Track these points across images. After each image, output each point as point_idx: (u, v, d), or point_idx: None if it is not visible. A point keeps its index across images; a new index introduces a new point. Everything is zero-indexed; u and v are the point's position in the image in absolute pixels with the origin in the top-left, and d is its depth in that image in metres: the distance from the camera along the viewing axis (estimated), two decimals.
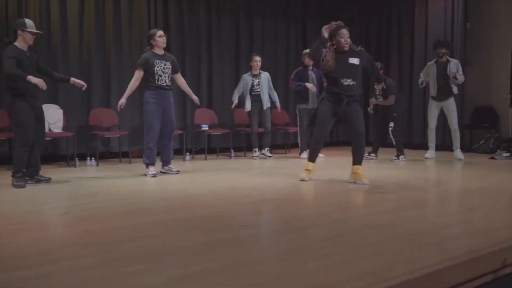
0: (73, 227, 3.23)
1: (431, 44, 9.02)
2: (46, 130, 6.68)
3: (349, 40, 4.96)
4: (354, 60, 4.98)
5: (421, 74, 7.79)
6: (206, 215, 3.52)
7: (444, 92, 7.53)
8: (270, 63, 9.23)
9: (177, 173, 5.93)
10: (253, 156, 7.87)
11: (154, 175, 5.68)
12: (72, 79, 5.40)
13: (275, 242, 2.80)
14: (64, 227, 3.22)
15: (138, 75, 5.72)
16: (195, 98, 6.19)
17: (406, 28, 9.80)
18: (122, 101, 5.79)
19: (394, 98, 7.49)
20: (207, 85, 8.70)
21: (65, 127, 6.99)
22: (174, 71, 5.91)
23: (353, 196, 4.44)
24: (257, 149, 7.93)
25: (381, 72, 7.46)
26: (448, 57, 7.52)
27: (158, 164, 5.96)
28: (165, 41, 5.82)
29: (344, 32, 4.95)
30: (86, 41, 7.47)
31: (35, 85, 4.89)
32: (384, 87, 7.44)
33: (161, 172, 5.95)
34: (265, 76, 7.99)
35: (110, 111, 7.47)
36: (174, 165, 6.15)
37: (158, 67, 5.70)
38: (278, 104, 8.08)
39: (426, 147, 7.82)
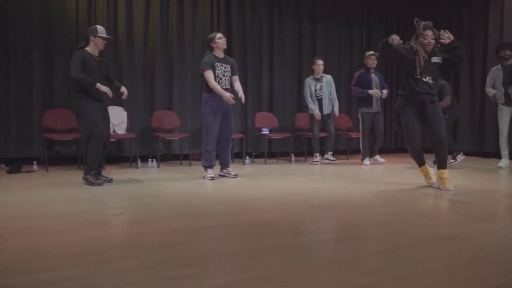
0: (126, 229, 3.24)
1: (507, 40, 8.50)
2: (111, 131, 6.94)
3: (433, 41, 4.78)
4: (437, 59, 4.84)
5: (488, 80, 7.29)
6: (259, 220, 3.43)
7: None
8: (333, 67, 9.06)
9: (235, 177, 5.89)
10: (313, 161, 7.71)
11: (212, 178, 5.67)
12: (122, 88, 5.49)
13: (326, 252, 2.65)
14: (118, 228, 3.23)
15: (210, 75, 5.60)
16: (241, 95, 5.84)
17: (478, 30, 9.28)
18: (227, 94, 5.58)
19: (450, 99, 7.11)
20: (268, 88, 8.65)
21: (128, 129, 7.16)
22: (233, 74, 5.87)
23: (420, 204, 4.18)
24: (318, 154, 7.75)
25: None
26: None
27: (217, 167, 5.96)
28: (225, 42, 5.79)
29: (429, 33, 4.78)
30: (150, 44, 7.64)
31: (104, 92, 5.08)
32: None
33: (220, 175, 5.95)
34: (327, 79, 7.80)
35: (172, 113, 7.58)
36: (233, 168, 6.12)
37: (219, 70, 5.69)
38: (336, 109, 7.81)
39: (499, 156, 7.34)
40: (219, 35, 5.78)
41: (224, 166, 5.97)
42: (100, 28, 5.22)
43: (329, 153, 7.79)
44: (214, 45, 5.76)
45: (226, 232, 3.08)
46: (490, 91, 7.23)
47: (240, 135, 7.73)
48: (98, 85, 5.02)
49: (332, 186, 5.23)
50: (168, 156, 7.88)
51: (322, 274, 2.23)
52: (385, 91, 7.50)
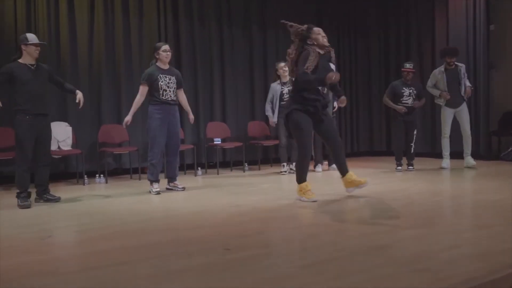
0: (48, 254, 3.08)
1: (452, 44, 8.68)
2: (55, 148, 6.73)
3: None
4: (333, 66, 4.69)
5: (429, 83, 7.39)
6: (191, 237, 3.33)
7: (456, 99, 7.18)
8: None
9: (182, 190, 5.78)
10: (281, 171, 7.37)
11: (158, 192, 5.54)
12: (78, 93, 5.29)
13: (253, 269, 2.57)
14: (38, 254, 3.07)
15: (142, 90, 5.62)
16: (191, 117, 6.01)
17: (426, 33, 9.47)
18: (128, 118, 5.68)
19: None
20: (220, 98, 8.56)
21: (74, 145, 6.95)
22: (178, 87, 5.77)
23: (354, 213, 4.16)
24: (285, 164, 7.42)
25: (412, 71, 7.17)
26: (456, 63, 7.20)
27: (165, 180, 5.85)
28: (169, 56, 5.69)
29: (317, 28, 4.63)
30: (96, 56, 7.45)
31: (39, 102, 4.90)
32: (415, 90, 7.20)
33: (167, 189, 5.82)
34: None
35: (120, 127, 7.38)
36: (185, 180, 6.02)
37: (162, 82, 5.58)
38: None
39: (453, 156, 7.44)
40: (164, 47, 5.66)
41: (171, 179, 5.85)
42: (30, 36, 5.05)
43: (294, 163, 7.53)
44: (158, 57, 5.66)
45: (151, 252, 2.97)
46: (435, 91, 7.33)
47: (191, 146, 7.62)
48: None
49: (278, 196, 5.17)
50: (120, 170, 7.69)
51: None
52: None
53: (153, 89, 5.57)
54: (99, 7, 7.43)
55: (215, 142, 7.84)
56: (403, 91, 7.15)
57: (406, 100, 7.15)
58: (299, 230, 3.45)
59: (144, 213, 4.39)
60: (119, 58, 7.59)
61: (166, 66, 5.69)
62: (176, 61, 8.11)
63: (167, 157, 5.78)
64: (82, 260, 2.83)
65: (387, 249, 2.89)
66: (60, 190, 6.06)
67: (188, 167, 7.85)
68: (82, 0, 7.31)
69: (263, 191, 5.63)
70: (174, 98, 5.69)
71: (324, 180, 6.67)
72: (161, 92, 5.56)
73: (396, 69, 9.61)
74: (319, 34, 4.61)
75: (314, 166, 7.54)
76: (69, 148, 6.86)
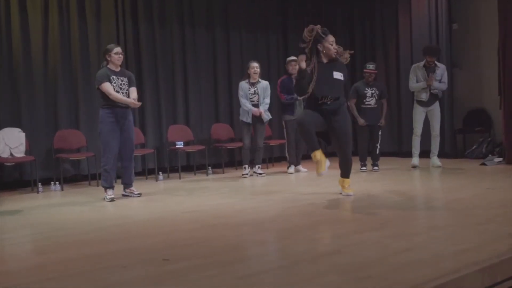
0: None
1: (416, 46, 8.67)
2: (7, 155, 6.46)
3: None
4: (339, 75, 4.67)
5: (411, 76, 7.26)
6: (133, 247, 3.16)
7: (431, 97, 7.15)
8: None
9: (139, 196, 5.57)
10: (243, 174, 7.15)
11: (112, 199, 5.33)
12: None
13: (188, 281, 2.41)
14: None
15: (107, 87, 5.28)
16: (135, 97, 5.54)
17: (390, 32, 9.45)
18: (130, 100, 5.39)
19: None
20: (183, 101, 8.36)
21: (28, 151, 6.67)
22: (130, 86, 5.56)
23: (309, 217, 4.01)
24: (247, 166, 7.22)
25: (374, 72, 7.10)
26: (436, 62, 7.16)
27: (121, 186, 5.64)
28: (121, 58, 5.48)
29: (332, 38, 4.68)
30: (51, 60, 7.16)
31: None
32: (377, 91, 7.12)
33: (123, 195, 5.62)
34: (263, 85, 7.26)
35: (77, 132, 7.16)
36: (145, 185, 5.83)
37: (115, 83, 5.38)
38: (261, 108, 7.18)
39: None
40: (116, 50, 5.45)
41: (126, 185, 5.64)
42: None
43: (257, 166, 7.34)
44: (109, 58, 5.45)
45: (90, 264, 2.78)
46: (418, 86, 7.13)
47: (152, 150, 7.41)
48: None
49: (237, 200, 5.02)
50: (79, 177, 7.42)
51: None
52: None
53: (105, 91, 5.35)
54: (53, 9, 7.14)
55: (177, 146, 7.64)
56: (365, 91, 7.08)
57: (369, 101, 7.08)
58: (247, 237, 3.30)
59: (93, 222, 4.19)
60: (76, 62, 7.32)
61: (118, 68, 5.49)
62: (136, 65, 7.90)
63: (121, 162, 5.56)
64: (7, 278, 2.62)
65: (334, 255, 2.76)
66: (12, 200, 5.82)
67: (149, 172, 7.63)
68: (35, 1, 7.02)
69: (222, 196, 5.47)
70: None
71: (290, 181, 6.55)
72: None
73: (361, 70, 9.56)
74: (331, 45, 4.65)
75: (288, 167, 7.41)
76: (22, 155, 6.57)
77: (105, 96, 5.36)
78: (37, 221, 4.32)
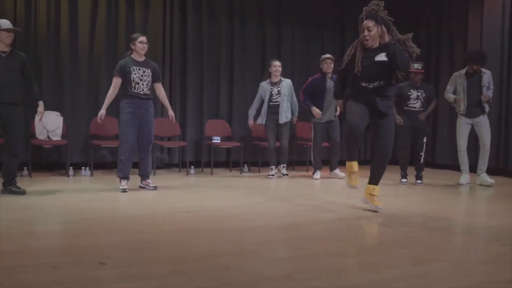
0: None
1: (486, 45, 7.87)
2: (44, 137, 6.66)
3: (371, 33, 4.06)
4: (381, 57, 4.10)
5: (448, 87, 6.65)
6: (86, 244, 3.02)
7: (474, 108, 6.43)
8: (301, 73, 8.58)
9: (154, 189, 5.50)
10: (268, 175, 6.98)
11: (124, 190, 5.29)
12: (40, 106, 5.13)
13: None
14: None
15: (115, 82, 5.39)
16: (170, 113, 5.68)
17: (459, 30, 8.66)
18: (102, 112, 5.44)
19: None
20: (226, 96, 8.22)
21: (64, 135, 6.84)
22: (154, 80, 5.50)
23: (300, 230, 3.67)
24: (273, 167, 7.05)
25: (421, 72, 6.50)
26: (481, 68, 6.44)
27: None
28: (146, 48, 5.43)
29: (364, 24, 4.09)
30: (97, 47, 7.33)
31: (4, 90, 4.81)
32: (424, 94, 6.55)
33: (140, 187, 5.59)
34: (287, 84, 7.05)
35: (114, 120, 7.22)
36: (173, 179, 5.75)
37: (135, 74, 5.33)
38: (295, 115, 7.18)
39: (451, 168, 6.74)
40: (141, 38, 5.41)
41: (143, 177, 5.60)
42: (2, 22, 4.92)
43: (282, 165, 7.19)
44: (134, 47, 5.41)
45: (31, 258, 2.68)
46: (450, 96, 6.61)
47: (185, 143, 7.34)
48: None
49: (243, 203, 4.77)
50: (115, 164, 7.51)
51: None
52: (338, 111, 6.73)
53: (126, 81, 5.33)
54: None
55: (213, 141, 7.51)
56: (410, 93, 6.50)
57: (413, 103, 6.50)
58: (207, 247, 3.03)
59: (77, 212, 4.11)
60: (120, 51, 7.40)
61: (142, 58, 5.44)
62: (181, 57, 7.87)
63: (139, 153, 5.52)
64: None
65: (282, 280, 2.44)
66: (39, 181, 5.99)
67: (182, 166, 7.55)
68: None
69: (233, 197, 5.23)
70: (148, 92, 5.42)
71: (316, 187, 6.17)
72: (133, 85, 5.31)
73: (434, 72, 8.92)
74: (363, 32, 4.12)
75: (313, 173, 7.05)
76: (58, 138, 6.75)
77: (125, 86, 5.33)
78: (35, 206, 4.33)
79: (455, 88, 6.57)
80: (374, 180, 4.37)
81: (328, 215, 4.20)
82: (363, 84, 4.17)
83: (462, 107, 6.45)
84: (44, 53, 6.96)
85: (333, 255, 2.92)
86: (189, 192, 5.44)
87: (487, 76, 6.42)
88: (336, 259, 2.83)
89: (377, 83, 4.16)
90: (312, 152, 7.09)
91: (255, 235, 3.44)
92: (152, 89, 5.51)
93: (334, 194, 5.61)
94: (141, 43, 5.39)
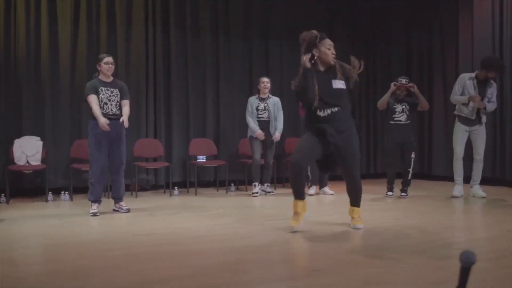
0: None
1: (477, 54, 7.60)
2: (24, 163, 6.56)
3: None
4: (340, 84, 4.02)
5: (456, 86, 6.18)
6: (31, 273, 2.85)
7: (476, 115, 6.14)
8: (290, 87, 8.37)
9: (127, 212, 5.33)
10: (253, 193, 6.75)
11: (94, 214, 5.12)
12: None
13: None
14: None
15: (93, 99, 5.15)
16: (123, 119, 5.26)
17: (450, 39, 8.44)
18: (102, 119, 5.06)
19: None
20: (213, 114, 8.04)
21: (44, 160, 6.72)
22: (122, 98, 5.36)
23: (257, 254, 3.45)
24: (257, 184, 6.83)
25: (409, 87, 6.26)
26: None
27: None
28: (112, 68, 5.31)
29: (329, 42, 4.07)
30: (78, 69, 7.22)
31: None
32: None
33: (113, 210, 5.42)
34: (274, 101, 6.94)
35: None
36: (155, 199, 5.60)
37: (103, 95, 5.21)
38: (277, 134, 6.89)
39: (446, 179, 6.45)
40: (106, 59, 5.30)
41: (116, 200, 5.43)
42: None
43: (266, 184, 6.97)
44: (100, 68, 5.30)
45: None
46: (460, 99, 6.11)
47: (167, 164, 7.18)
48: None
49: (213, 224, 4.58)
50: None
51: None
52: None
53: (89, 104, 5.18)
54: (82, 17, 7.18)
55: (198, 160, 7.34)
56: (395, 107, 6.27)
57: (399, 117, 6.26)
58: (144, 273, 2.83)
59: (40, 238, 3.97)
60: None
61: (109, 79, 5.32)
62: (165, 75, 7.75)
63: (111, 175, 5.36)
64: None
65: None
66: (19, 207, 5.91)
67: (180, 185, 7.37)
68: (65, 9, 7.11)
69: (204, 217, 5.03)
70: (117, 112, 5.28)
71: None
72: (101, 105, 5.18)
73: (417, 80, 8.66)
74: (329, 50, 4.04)
75: (309, 187, 6.81)
76: (38, 163, 6.64)
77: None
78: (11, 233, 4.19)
79: (462, 90, 6.15)
80: (353, 202, 4.23)
81: (295, 235, 3.96)
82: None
83: (480, 103, 5.96)
84: (24, 76, 6.88)
85: (278, 279, 2.70)
86: (162, 214, 5.26)
87: (493, 87, 6.10)
88: (280, 283, 2.61)
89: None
90: (309, 167, 6.78)
91: (199, 259, 3.23)
92: (121, 109, 5.36)
93: (315, 212, 5.37)
94: (106, 64, 5.27)
